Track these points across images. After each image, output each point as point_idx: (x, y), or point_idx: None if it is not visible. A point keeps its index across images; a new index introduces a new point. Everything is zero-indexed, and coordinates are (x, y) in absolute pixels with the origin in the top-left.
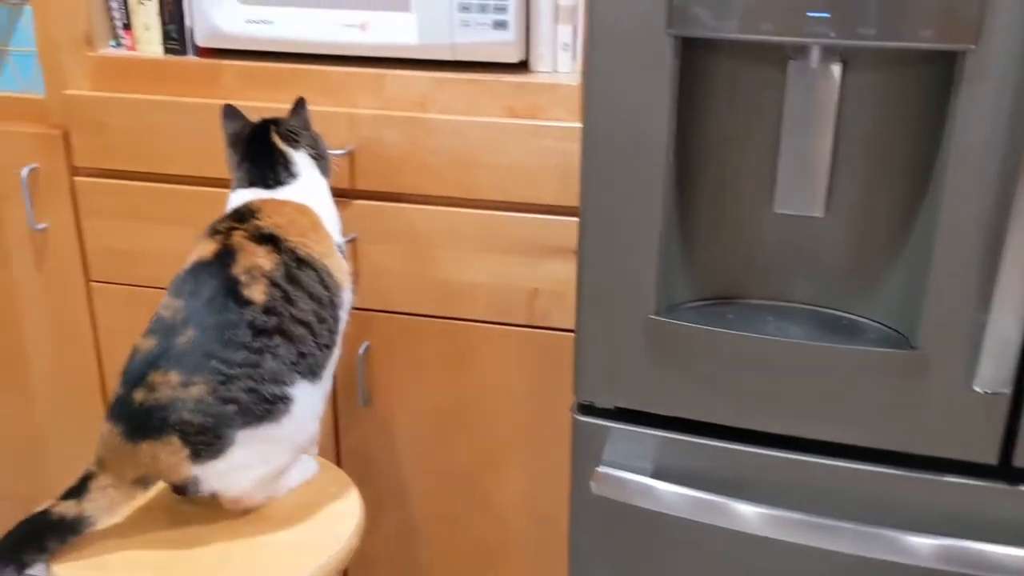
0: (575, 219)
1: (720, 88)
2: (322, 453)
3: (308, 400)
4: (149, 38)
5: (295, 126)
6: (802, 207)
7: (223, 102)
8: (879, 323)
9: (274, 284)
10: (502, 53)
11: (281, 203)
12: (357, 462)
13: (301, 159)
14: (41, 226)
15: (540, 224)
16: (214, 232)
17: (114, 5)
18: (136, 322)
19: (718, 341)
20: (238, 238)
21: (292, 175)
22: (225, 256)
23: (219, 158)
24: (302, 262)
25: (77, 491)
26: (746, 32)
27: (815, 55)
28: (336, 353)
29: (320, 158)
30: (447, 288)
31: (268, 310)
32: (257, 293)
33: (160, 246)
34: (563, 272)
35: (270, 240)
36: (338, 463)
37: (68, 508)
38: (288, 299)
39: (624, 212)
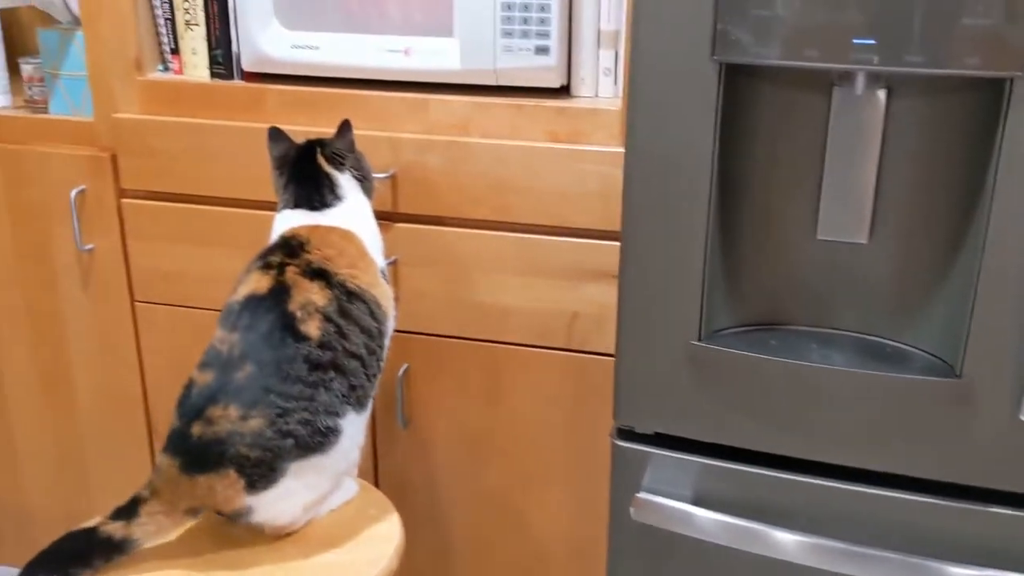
0: (615, 243)
1: (763, 113)
2: (360, 474)
3: (354, 429)
4: (196, 62)
5: (340, 148)
6: (846, 234)
7: (268, 125)
8: (924, 351)
9: (328, 319)
10: (544, 78)
11: (328, 230)
12: (395, 483)
13: (346, 181)
14: (88, 247)
15: (580, 248)
16: (267, 266)
17: (163, 31)
18: (179, 342)
19: (761, 367)
20: (291, 274)
21: (337, 197)
22: (279, 292)
23: (263, 181)
24: (353, 295)
25: (127, 513)
26: (791, 59)
27: (860, 82)
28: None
29: (364, 180)
30: (486, 311)
31: (323, 345)
32: (312, 328)
33: (204, 267)
34: (602, 296)
35: (321, 275)
36: (376, 484)
37: (116, 529)
38: (341, 333)
39: (667, 237)
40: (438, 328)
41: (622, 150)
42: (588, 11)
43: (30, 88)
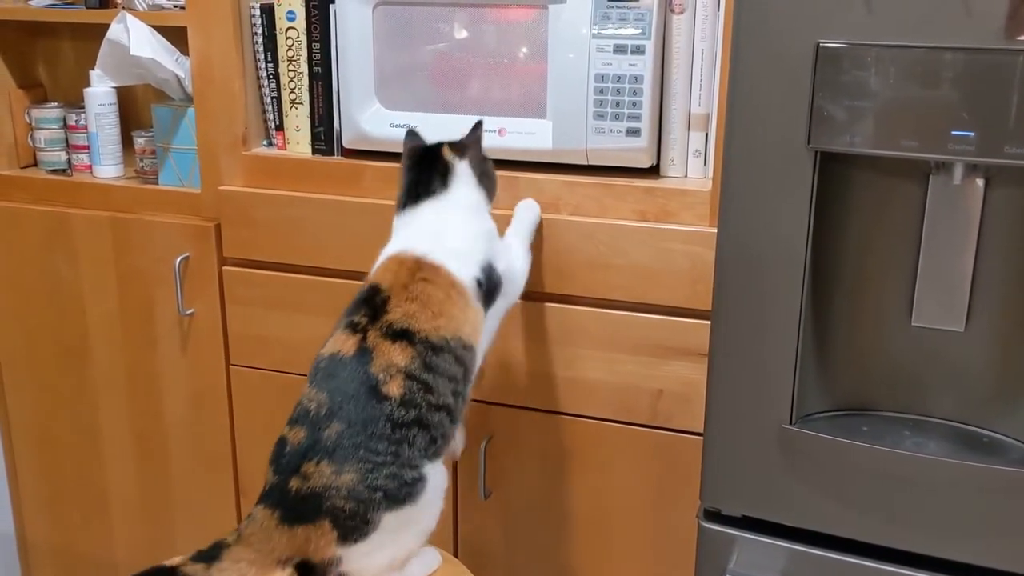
0: (702, 321)
1: (858, 200)
2: (440, 544)
3: (439, 477)
4: (299, 139)
5: (465, 141)
6: (942, 321)
7: (365, 200)
8: (1021, 442)
9: (410, 377)
10: (634, 159)
11: (415, 267)
12: (474, 554)
13: (463, 170)
14: (189, 311)
15: (666, 325)
16: (352, 326)
17: (269, 108)
18: (270, 404)
19: (852, 453)
20: (373, 338)
21: (448, 184)
22: (363, 355)
23: (358, 251)
24: (437, 349)
25: (209, 556)
26: (888, 148)
27: (958, 171)
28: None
29: (483, 176)
30: (571, 385)
31: (405, 403)
32: (394, 388)
33: (297, 334)
34: (689, 374)
35: (404, 335)
36: (456, 555)
37: (197, 570)
38: (427, 388)
39: (759, 320)
40: (522, 400)
41: (710, 230)
42: (679, 94)
43: (141, 160)
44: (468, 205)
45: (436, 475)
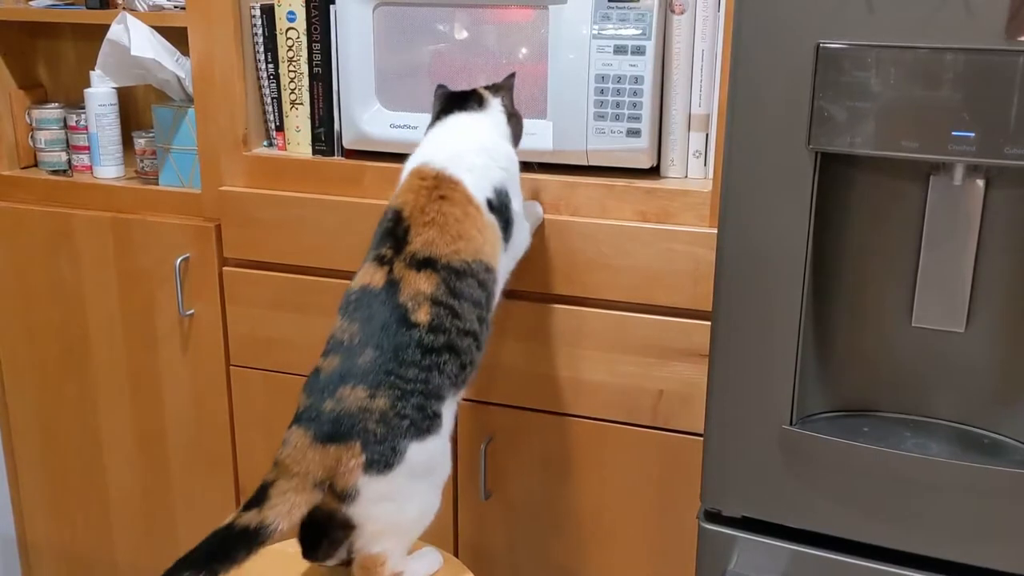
0: (702, 322)
1: (858, 200)
2: (441, 545)
3: (450, 415)
4: (299, 139)
5: (499, 84)
6: (942, 322)
7: (366, 201)
8: (1023, 443)
9: (436, 303)
10: (634, 159)
11: (434, 183)
12: (474, 555)
13: (495, 104)
14: (189, 312)
15: (667, 326)
16: (379, 261)
17: (269, 109)
18: (270, 406)
19: (853, 454)
20: (399, 269)
21: (479, 106)
22: (391, 286)
23: (359, 252)
24: (460, 274)
25: (257, 500)
26: (888, 149)
27: (959, 172)
28: None
29: (513, 117)
30: (572, 385)
31: (434, 328)
32: (422, 315)
33: (298, 335)
34: (689, 374)
35: (426, 264)
36: (456, 556)
37: (250, 518)
38: (454, 313)
39: (760, 320)
40: (523, 400)
41: (711, 231)
42: (680, 94)
43: (142, 160)
44: (496, 125)
45: (448, 413)
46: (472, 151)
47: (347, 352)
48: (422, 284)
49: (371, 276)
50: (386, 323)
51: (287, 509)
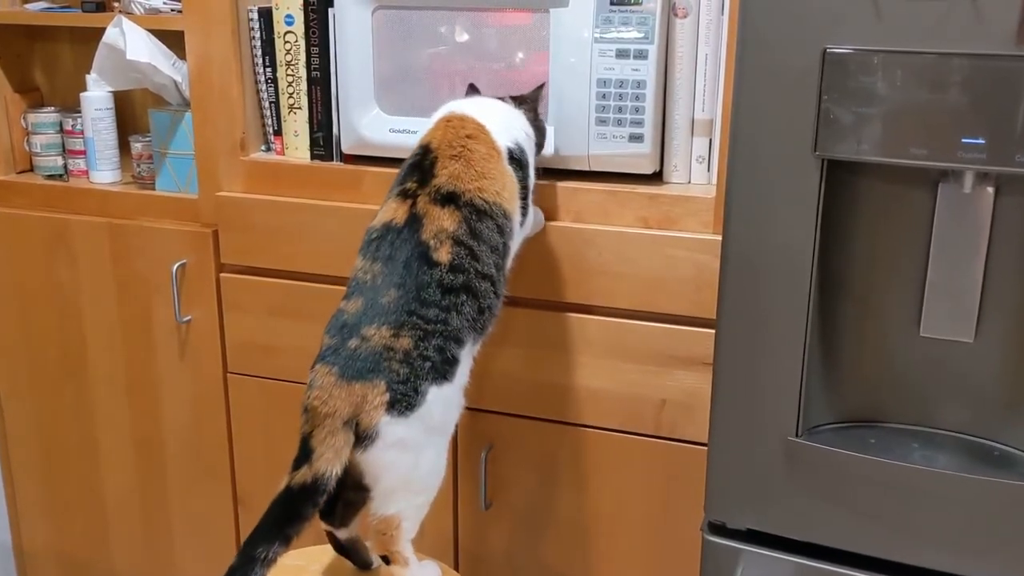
0: (706, 330)
1: (865, 208)
2: (440, 555)
3: (466, 365)
4: (298, 144)
5: (526, 95)
6: (951, 332)
7: (364, 206)
8: None
9: (457, 243)
10: (637, 164)
11: (461, 123)
12: (474, 566)
13: (523, 112)
14: (186, 318)
15: (670, 333)
16: (403, 194)
17: (267, 113)
18: (268, 413)
19: (860, 466)
20: (423, 204)
21: (506, 100)
22: (414, 222)
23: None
24: (481, 213)
25: (303, 457)
26: (896, 156)
27: (968, 180)
28: None
29: (535, 124)
30: (573, 394)
31: (454, 268)
32: (444, 254)
33: (296, 342)
34: (693, 383)
35: (451, 199)
36: (456, 566)
37: (303, 475)
38: (473, 255)
39: (764, 329)
40: (524, 409)
41: (714, 237)
42: (682, 100)
43: (138, 165)
44: (520, 116)
45: (465, 361)
46: (498, 111)
47: (371, 291)
48: (445, 221)
49: (394, 212)
50: (408, 261)
51: (332, 454)
